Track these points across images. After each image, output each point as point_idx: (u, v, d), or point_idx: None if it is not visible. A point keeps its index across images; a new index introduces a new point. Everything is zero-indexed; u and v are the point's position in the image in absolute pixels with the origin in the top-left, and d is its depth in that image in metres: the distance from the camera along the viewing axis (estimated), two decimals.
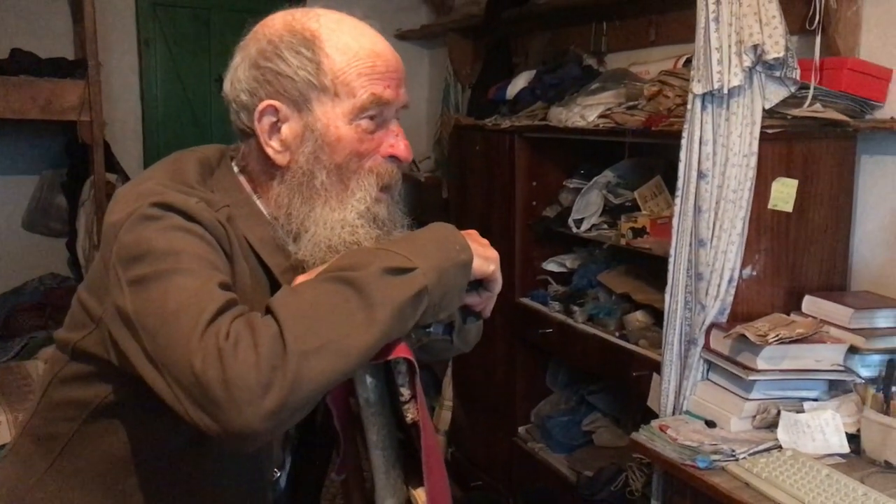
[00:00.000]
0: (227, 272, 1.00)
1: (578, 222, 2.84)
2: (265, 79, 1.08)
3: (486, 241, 1.11)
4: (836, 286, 2.19)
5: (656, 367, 2.22)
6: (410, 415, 1.04)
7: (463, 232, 1.09)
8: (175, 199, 1.00)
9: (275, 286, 1.06)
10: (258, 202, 1.13)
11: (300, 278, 1.02)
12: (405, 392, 1.03)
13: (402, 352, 0.99)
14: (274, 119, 1.09)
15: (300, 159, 1.08)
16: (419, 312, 0.98)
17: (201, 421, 0.86)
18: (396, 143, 1.11)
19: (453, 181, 3.67)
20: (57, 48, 3.72)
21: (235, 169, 1.15)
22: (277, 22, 1.10)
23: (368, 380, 1.05)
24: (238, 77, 1.11)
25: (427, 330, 1.15)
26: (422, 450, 1.03)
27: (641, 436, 1.98)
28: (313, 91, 1.07)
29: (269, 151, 1.09)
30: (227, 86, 1.13)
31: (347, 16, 1.12)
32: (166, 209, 0.99)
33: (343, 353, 0.90)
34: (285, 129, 1.09)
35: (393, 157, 1.12)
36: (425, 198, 4.14)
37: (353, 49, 1.07)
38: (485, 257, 1.08)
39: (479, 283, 1.12)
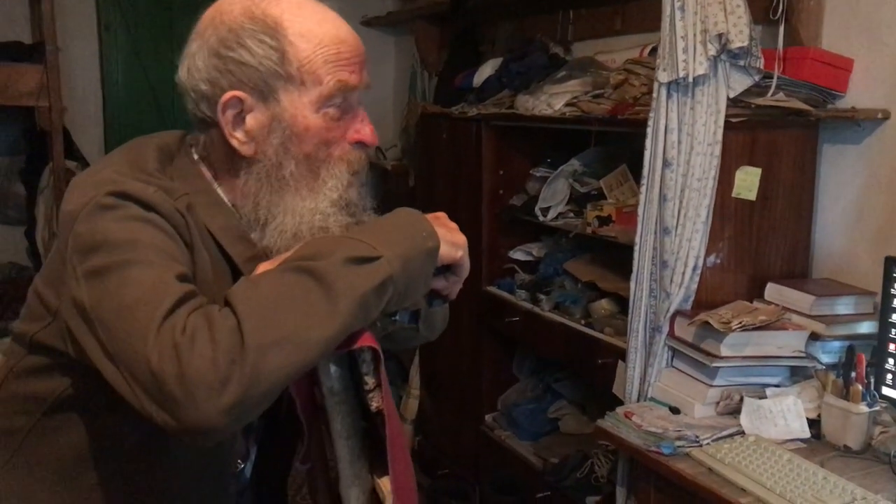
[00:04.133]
0: (186, 262, 0.98)
1: (545, 211, 2.85)
2: (227, 68, 1.05)
3: (454, 226, 1.09)
4: (798, 274, 2.22)
5: (622, 354, 2.23)
6: (375, 403, 1.03)
7: (430, 215, 1.07)
8: (132, 187, 0.98)
9: (237, 275, 1.04)
10: (219, 190, 1.11)
11: (262, 267, 0.99)
12: (370, 381, 1.02)
13: (366, 340, 0.98)
14: (237, 110, 1.06)
15: (268, 150, 1.06)
16: (384, 301, 0.97)
17: (159, 417, 0.85)
18: (362, 128, 1.11)
19: (420, 169, 3.65)
20: (13, 32, 3.63)
21: (195, 156, 1.12)
22: (236, 8, 1.06)
23: (332, 369, 1.04)
24: (196, 66, 1.07)
25: (393, 318, 1.14)
26: (387, 439, 1.03)
27: (607, 423, 2.00)
28: (279, 80, 1.04)
29: (234, 143, 1.07)
30: (183, 73, 1.09)
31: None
32: (123, 198, 0.96)
33: (303, 346, 0.88)
34: (250, 120, 1.06)
35: (360, 143, 1.11)
36: (392, 186, 4.13)
37: (317, 35, 1.05)
38: (452, 243, 1.06)
39: (447, 268, 1.10)
